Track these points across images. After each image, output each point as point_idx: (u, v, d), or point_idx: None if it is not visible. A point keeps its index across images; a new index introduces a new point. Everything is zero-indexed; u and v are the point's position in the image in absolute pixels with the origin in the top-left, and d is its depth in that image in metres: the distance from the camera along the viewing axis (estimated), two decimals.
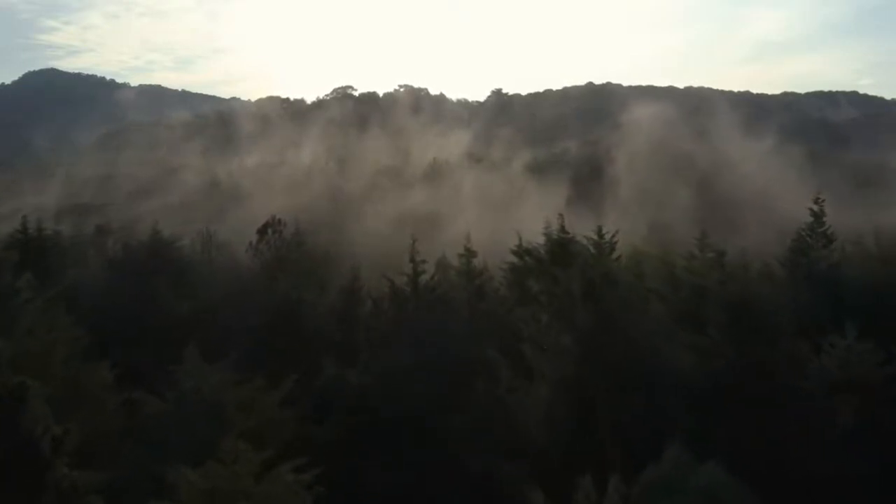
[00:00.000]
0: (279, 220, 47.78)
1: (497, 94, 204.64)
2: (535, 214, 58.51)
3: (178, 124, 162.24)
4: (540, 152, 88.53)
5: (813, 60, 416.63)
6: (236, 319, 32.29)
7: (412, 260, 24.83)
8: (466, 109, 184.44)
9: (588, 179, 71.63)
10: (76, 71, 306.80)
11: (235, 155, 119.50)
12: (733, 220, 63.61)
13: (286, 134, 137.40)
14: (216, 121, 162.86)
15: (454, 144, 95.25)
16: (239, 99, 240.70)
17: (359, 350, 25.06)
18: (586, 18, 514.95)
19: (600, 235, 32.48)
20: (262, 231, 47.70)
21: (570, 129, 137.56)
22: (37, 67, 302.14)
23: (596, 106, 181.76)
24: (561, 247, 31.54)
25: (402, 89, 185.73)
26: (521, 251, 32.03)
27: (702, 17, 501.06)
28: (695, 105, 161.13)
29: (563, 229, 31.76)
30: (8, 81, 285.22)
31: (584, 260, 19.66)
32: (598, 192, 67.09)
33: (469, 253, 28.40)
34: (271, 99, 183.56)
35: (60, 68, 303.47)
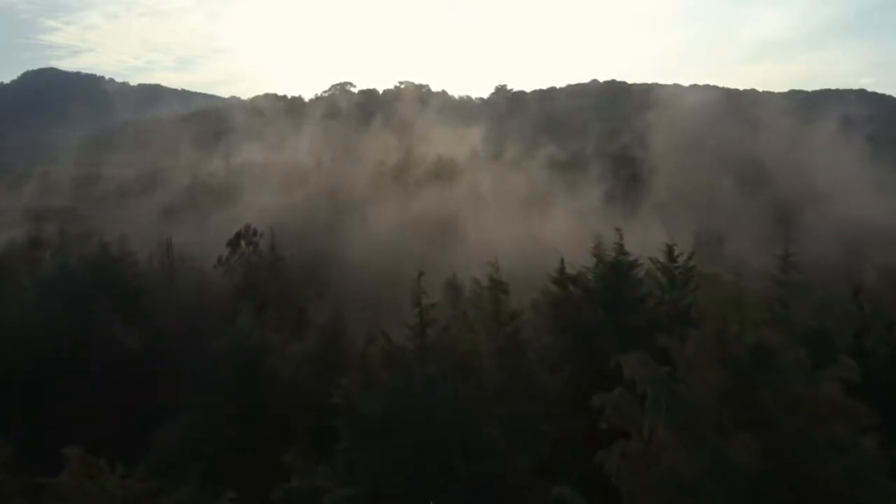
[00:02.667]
0: (254, 230, 39.62)
1: (502, 90, 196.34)
2: (563, 220, 50.23)
3: (167, 123, 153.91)
4: (556, 150, 79.87)
5: (811, 60, 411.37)
6: (182, 377, 24.24)
7: (417, 304, 16.48)
8: (471, 106, 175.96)
9: (615, 179, 63.12)
10: (75, 70, 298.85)
11: (227, 154, 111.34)
12: (788, 224, 55.07)
13: (281, 132, 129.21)
14: (209, 119, 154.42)
15: (464, 141, 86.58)
16: (238, 98, 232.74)
17: (338, 437, 16.71)
18: (587, 16, 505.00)
19: (672, 258, 24.16)
20: (233, 243, 39.53)
21: (583, 127, 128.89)
22: (35, 67, 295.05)
23: (606, 103, 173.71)
24: (619, 274, 23.10)
25: (402, 86, 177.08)
26: (564, 279, 23.58)
27: (700, 16, 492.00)
28: (707, 103, 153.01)
29: (621, 249, 23.32)
30: (6, 81, 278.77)
31: (715, 319, 11.44)
32: (628, 194, 58.70)
33: (497, 285, 19.99)
34: (268, 96, 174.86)
35: (60, 68, 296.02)
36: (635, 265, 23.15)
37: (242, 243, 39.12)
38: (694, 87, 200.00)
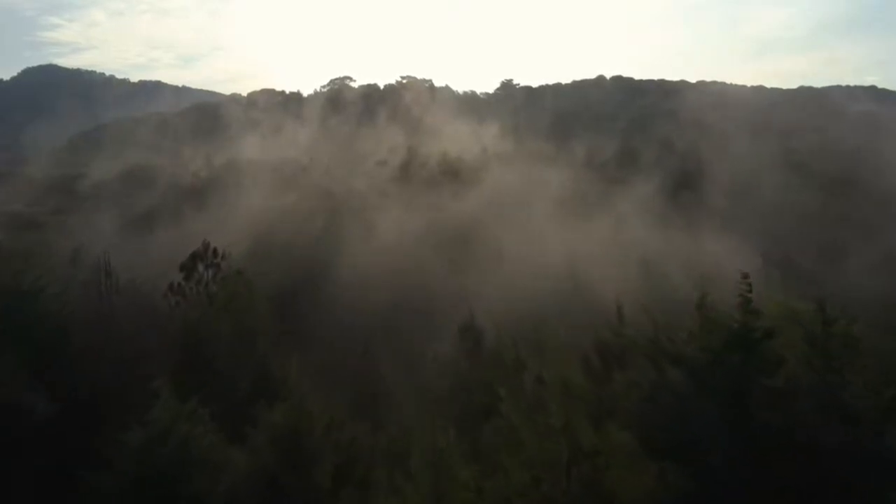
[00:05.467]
0: (214, 250, 31.18)
1: (509, 85, 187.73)
2: (603, 230, 41.32)
3: (159, 119, 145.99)
4: (579, 147, 71.18)
5: (815, 58, 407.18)
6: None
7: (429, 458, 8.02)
8: (477, 101, 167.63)
9: (651, 179, 54.51)
10: (76, 67, 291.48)
11: (216, 152, 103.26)
12: (864, 232, 46.57)
13: (277, 128, 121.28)
14: (202, 115, 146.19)
15: (478, 138, 77.75)
16: (240, 95, 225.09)
17: None
18: (590, 11, 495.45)
19: (826, 322, 15.51)
20: (188, 266, 31.09)
21: (600, 123, 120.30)
22: (36, 64, 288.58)
23: (615, 100, 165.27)
24: (747, 348, 14.44)
25: (404, 80, 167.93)
26: (658, 352, 15.00)
27: (705, 12, 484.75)
28: (719, 100, 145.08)
29: (748, 305, 14.68)
30: (6, 78, 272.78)
31: None
32: (669, 197, 50.06)
33: (566, 390, 11.45)
34: (265, 91, 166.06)
35: (60, 65, 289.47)
36: (772, 335, 14.58)
37: (200, 267, 30.70)
38: (702, 82, 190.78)
